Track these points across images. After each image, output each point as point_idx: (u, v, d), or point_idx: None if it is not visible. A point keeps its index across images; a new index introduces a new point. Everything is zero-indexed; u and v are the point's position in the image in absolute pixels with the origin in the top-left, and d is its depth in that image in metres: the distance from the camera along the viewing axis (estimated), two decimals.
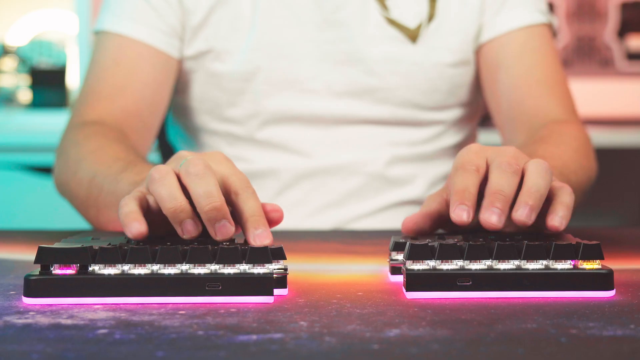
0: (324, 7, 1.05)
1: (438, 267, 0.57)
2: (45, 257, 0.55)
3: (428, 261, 0.58)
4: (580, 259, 0.57)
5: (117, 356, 0.42)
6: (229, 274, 0.55)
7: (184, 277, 0.55)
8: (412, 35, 1.04)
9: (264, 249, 0.57)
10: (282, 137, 1.07)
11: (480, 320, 0.50)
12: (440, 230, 0.70)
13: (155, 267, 0.56)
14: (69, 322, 0.49)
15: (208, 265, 0.56)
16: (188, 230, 0.60)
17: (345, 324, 0.49)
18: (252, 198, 0.64)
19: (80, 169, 0.91)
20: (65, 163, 0.96)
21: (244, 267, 0.56)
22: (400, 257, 0.62)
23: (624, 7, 2.83)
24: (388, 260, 0.63)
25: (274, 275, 0.56)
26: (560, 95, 1.05)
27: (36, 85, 2.73)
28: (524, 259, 0.57)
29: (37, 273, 0.55)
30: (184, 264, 0.56)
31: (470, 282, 0.57)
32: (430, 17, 1.05)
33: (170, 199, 0.61)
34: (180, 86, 1.09)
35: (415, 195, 1.09)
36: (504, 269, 0.57)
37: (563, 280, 0.57)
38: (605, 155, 2.69)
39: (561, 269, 0.57)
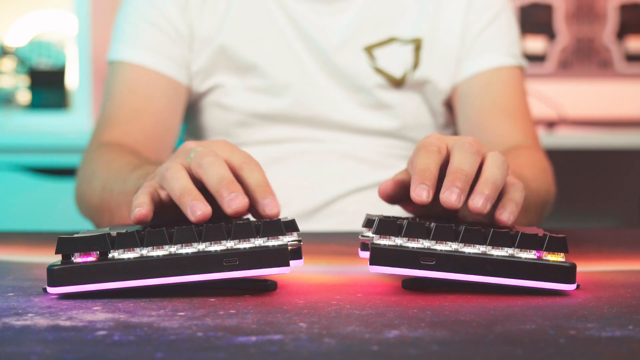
0: (323, 52, 1.09)
1: (404, 245, 0.58)
2: (65, 247, 0.57)
3: (395, 238, 0.58)
4: (545, 250, 0.58)
5: (116, 358, 0.42)
6: (244, 248, 0.56)
7: (201, 255, 0.56)
8: (398, 83, 1.10)
9: (277, 222, 0.58)
10: (285, 138, 1.11)
11: (480, 322, 0.50)
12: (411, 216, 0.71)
13: (173, 249, 0.57)
14: (67, 323, 0.49)
15: (224, 242, 0.57)
16: (194, 211, 0.61)
17: (345, 325, 0.49)
18: (255, 170, 0.65)
19: (94, 179, 0.95)
20: (81, 179, 1.01)
21: (259, 242, 0.57)
22: (370, 234, 0.62)
23: (623, 9, 2.83)
24: (359, 237, 0.63)
25: (289, 247, 0.57)
26: (523, 124, 1.09)
27: (35, 86, 2.73)
28: (489, 244, 0.58)
29: (59, 263, 0.57)
30: (200, 243, 0.57)
31: (434, 262, 0.57)
32: (415, 65, 1.10)
33: (181, 188, 0.62)
34: (191, 115, 1.15)
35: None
36: (469, 253, 0.57)
37: (526, 269, 0.57)
38: (605, 157, 2.70)
39: (525, 259, 0.57)
